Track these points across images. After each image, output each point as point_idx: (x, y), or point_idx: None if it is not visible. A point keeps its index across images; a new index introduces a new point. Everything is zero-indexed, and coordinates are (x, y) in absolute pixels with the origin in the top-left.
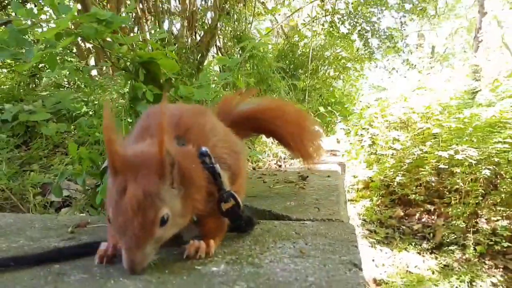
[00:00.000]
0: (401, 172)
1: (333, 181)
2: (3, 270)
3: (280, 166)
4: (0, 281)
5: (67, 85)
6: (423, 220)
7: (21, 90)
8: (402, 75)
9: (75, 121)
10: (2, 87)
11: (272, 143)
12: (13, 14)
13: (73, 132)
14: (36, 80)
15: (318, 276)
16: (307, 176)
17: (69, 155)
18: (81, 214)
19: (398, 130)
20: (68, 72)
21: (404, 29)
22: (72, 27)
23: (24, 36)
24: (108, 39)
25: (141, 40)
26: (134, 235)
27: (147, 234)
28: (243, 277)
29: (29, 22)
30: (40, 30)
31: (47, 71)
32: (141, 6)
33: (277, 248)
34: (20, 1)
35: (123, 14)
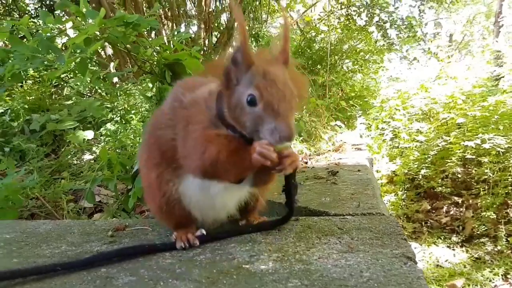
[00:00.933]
0: (426, 165)
1: (364, 175)
2: (52, 275)
3: (306, 163)
4: (50, 287)
5: (88, 94)
6: (451, 213)
7: (47, 100)
8: (422, 65)
9: (101, 128)
10: (28, 98)
11: (296, 139)
12: (41, 22)
13: (99, 138)
14: (59, 90)
15: (374, 271)
16: (337, 171)
17: (98, 160)
18: (114, 219)
19: (420, 121)
20: (89, 80)
21: (423, 18)
22: (98, 32)
23: (53, 44)
24: (134, 42)
25: (165, 42)
26: (290, 111)
27: (295, 106)
28: (294, 274)
29: (56, 30)
30: (66, 38)
31: (70, 80)
32: (159, 11)
33: (323, 244)
34: (46, 9)
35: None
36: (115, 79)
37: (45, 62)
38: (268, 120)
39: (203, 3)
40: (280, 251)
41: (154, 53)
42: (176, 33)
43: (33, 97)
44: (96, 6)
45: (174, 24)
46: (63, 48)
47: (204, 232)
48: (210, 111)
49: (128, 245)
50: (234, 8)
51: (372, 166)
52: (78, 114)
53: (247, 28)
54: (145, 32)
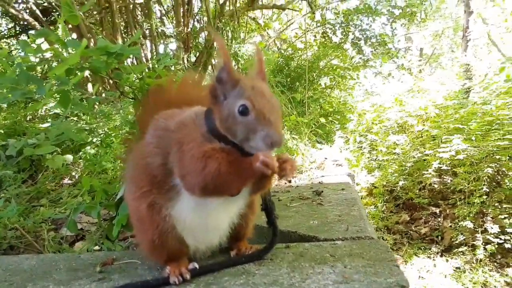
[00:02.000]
0: (404, 176)
1: (348, 194)
2: None
3: (290, 181)
4: None
5: (66, 115)
6: (430, 223)
7: (23, 124)
8: (397, 79)
9: (80, 152)
10: (3, 123)
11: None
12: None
13: (78, 162)
14: (35, 112)
15: None
16: (322, 191)
17: (77, 186)
18: (96, 248)
19: (396, 134)
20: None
21: (396, 34)
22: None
23: (32, 73)
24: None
25: (151, 67)
26: (279, 120)
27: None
28: None
29: (37, 59)
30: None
31: (49, 106)
32: (135, 31)
33: (317, 274)
34: (12, 35)
35: (122, 43)
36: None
37: (26, 94)
38: (260, 128)
39: (181, 23)
40: (275, 284)
41: (140, 79)
42: (159, 58)
43: (8, 121)
44: (73, 28)
45: (153, 44)
46: (45, 75)
47: (197, 266)
48: (201, 128)
49: (119, 282)
50: (214, 34)
51: (354, 181)
52: (56, 137)
53: (227, 48)
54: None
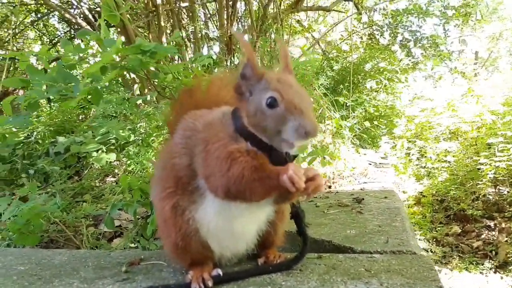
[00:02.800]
0: (455, 186)
1: (392, 203)
2: None
3: (330, 187)
4: None
5: (114, 115)
6: (483, 236)
7: (73, 123)
8: (449, 83)
9: (124, 150)
10: (54, 120)
11: (319, 162)
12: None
13: (122, 161)
14: (86, 111)
15: None
16: (363, 199)
17: (119, 184)
18: (132, 245)
19: (448, 141)
20: (113, 103)
21: (449, 36)
22: (118, 59)
23: (72, 72)
24: (153, 69)
25: (188, 67)
26: (311, 109)
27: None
28: None
29: (77, 58)
30: (87, 65)
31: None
32: (180, 34)
33: None
34: (68, 38)
35: (166, 44)
36: (139, 101)
37: (62, 91)
38: (292, 118)
39: (225, 26)
40: None
41: (176, 78)
42: (196, 57)
43: (59, 119)
44: (122, 31)
45: (197, 47)
46: (83, 76)
47: (221, 273)
48: (228, 128)
49: (141, 284)
50: (236, 33)
51: (399, 189)
52: (102, 136)
53: (252, 47)
54: (169, 57)
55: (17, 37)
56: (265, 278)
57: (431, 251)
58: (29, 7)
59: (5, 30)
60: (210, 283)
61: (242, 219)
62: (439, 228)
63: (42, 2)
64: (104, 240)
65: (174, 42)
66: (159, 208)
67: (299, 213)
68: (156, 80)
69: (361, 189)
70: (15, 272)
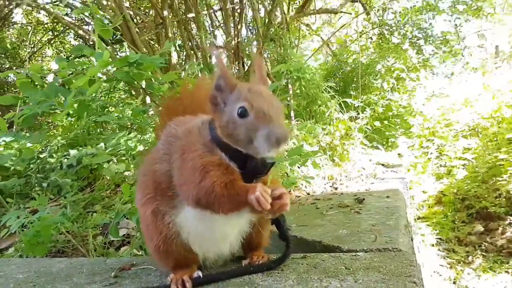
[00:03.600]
0: (476, 183)
1: (392, 202)
2: None
3: (336, 188)
4: None
5: (125, 126)
6: (507, 234)
7: (87, 135)
8: (463, 79)
9: (134, 160)
10: (67, 134)
11: (326, 164)
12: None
13: (132, 171)
14: (103, 123)
15: None
16: (363, 199)
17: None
18: (138, 253)
19: (467, 138)
20: (123, 115)
21: (460, 32)
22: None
23: (61, 86)
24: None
25: (180, 76)
26: (281, 117)
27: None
28: None
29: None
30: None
31: (101, 115)
32: (189, 43)
33: None
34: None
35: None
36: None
37: (53, 105)
38: (262, 126)
39: (232, 34)
40: None
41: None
42: (188, 65)
43: (72, 133)
44: (132, 44)
45: (204, 56)
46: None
47: (201, 275)
48: (204, 137)
49: (127, 287)
50: (209, 46)
51: (407, 188)
52: (113, 147)
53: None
54: (173, 67)
55: (35, 55)
56: (245, 279)
57: (453, 251)
58: (46, 26)
59: (24, 49)
60: (188, 285)
61: (223, 222)
62: (461, 227)
63: (58, 20)
64: (112, 249)
65: (184, 53)
66: (142, 213)
67: (279, 218)
68: (152, 91)
69: (366, 190)
70: (13, 281)
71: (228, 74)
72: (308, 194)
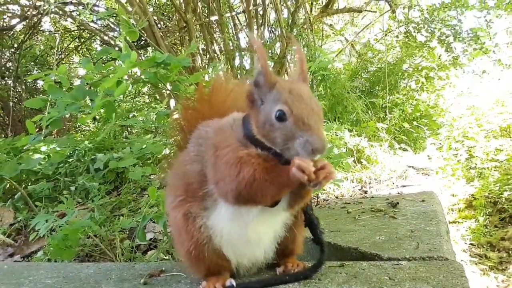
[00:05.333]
0: (509, 186)
1: (429, 206)
2: None
3: (366, 192)
4: None
5: (151, 130)
6: None
7: (113, 139)
8: (494, 77)
9: (160, 163)
10: (94, 138)
11: (354, 166)
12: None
13: (158, 174)
14: (129, 128)
15: None
16: (397, 203)
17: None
18: (165, 257)
19: (498, 138)
20: (148, 118)
21: (491, 28)
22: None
23: (89, 88)
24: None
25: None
26: (320, 124)
27: (323, 119)
28: None
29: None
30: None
31: (127, 121)
32: (213, 47)
33: None
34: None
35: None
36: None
37: (81, 108)
38: (299, 134)
39: (255, 35)
40: None
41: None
42: (211, 67)
43: (99, 137)
44: (156, 49)
45: (228, 59)
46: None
47: (234, 283)
48: (238, 134)
49: None
50: (251, 38)
51: (441, 192)
52: (139, 151)
53: (266, 53)
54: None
55: (63, 62)
56: None
57: (486, 257)
58: (73, 33)
59: (52, 56)
60: None
61: (257, 225)
62: (493, 232)
63: (84, 27)
64: (139, 253)
65: (207, 55)
66: (172, 218)
67: (313, 220)
68: (178, 92)
69: (398, 193)
70: (42, 286)
71: (268, 70)
72: (337, 197)
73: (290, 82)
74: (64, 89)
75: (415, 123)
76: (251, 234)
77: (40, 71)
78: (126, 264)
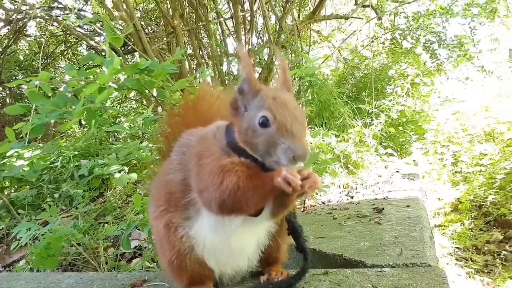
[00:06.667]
0: (494, 190)
1: (414, 212)
2: None
3: (352, 197)
4: None
5: (137, 136)
6: None
7: (99, 145)
8: (478, 84)
9: (145, 170)
10: (78, 144)
11: (341, 172)
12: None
13: (144, 181)
14: (116, 133)
15: None
16: (383, 208)
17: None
18: (150, 265)
19: (483, 143)
20: (134, 124)
21: (475, 35)
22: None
23: (71, 95)
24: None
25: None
26: (303, 132)
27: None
28: None
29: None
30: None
31: (113, 124)
32: (200, 52)
33: None
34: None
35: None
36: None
37: (64, 114)
38: (282, 140)
39: (242, 41)
40: None
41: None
42: (198, 72)
43: (85, 143)
44: (144, 54)
45: (215, 64)
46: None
47: None
48: (220, 142)
49: None
50: (238, 46)
51: (427, 197)
52: (125, 157)
53: (252, 61)
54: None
55: (48, 66)
56: None
57: (472, 260)
58: (59, 38)
59: (37, 61)
60: None
61: (240, 234)
62: (479, 236)
63: (70, 32)
64: (124, 261)
65: (195, 61)
66: (154, 227)
67: (297, 228)
68: (163, 99)
69: (384, 198)
70: None
71: (253, 78)
72: (324, 203)
73: (275, 90)
74: (50, 95)
75: (401, 128)
76: (234, 243)
77: (24, 76)
78: (108, 274)
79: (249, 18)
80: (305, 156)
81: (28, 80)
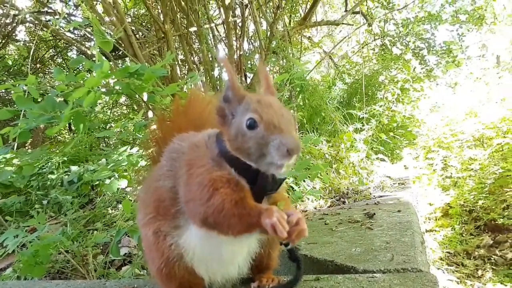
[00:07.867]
0: (483, 195)
1: (405, 217)
2: None
3: (344, 202)
4: None
5: (128, 141)
6: None
7: (89, 151)
8: (467, 89)
9: (135, 176)
10: (67, 149)
11: (333, 177)
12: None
13: (134, 187)
14: (106, 139)
15: None
16: (374, 213)
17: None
18: (140, 272)
19: (472, 148)
20: (118, 129)
21: (463, 41)
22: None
23: (59, 99)
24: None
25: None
26: (291, 127)
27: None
28: None
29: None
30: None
31: (103, 129)
32: (192, 57)
33: None
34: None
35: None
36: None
37: (52, 119)
38: (272, 138)
39: (234, 47)
40: None
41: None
42: (189, 77)
43: (74, 148)
44: (135, 59)
45: (207, 70)
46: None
47: None
48: (212, 151)
49: None
50: (220, 58)
51: (417, 202)
52: (115, 163)
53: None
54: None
55: (38, 71)
56: None
57: (462, 265)
58: (48, 43)
59: (26, 66)
60: None
61: (231, 243)
62: (469, 240)
63: (60, 37)
64: (113, 269)
65: (186, 67)
66: (143, 234)
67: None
68: (153, 103)
69: (375, 203)
70: None
71: (236, 85)
72: (315, 208)
73: (259, 95)
74: (39, 100)
75: (391, 133)
76: (224, 252)
77: (13, 80)
78: (97, 282)
79: (240, 24)
80: (298, 148)
81: (15, 85)
